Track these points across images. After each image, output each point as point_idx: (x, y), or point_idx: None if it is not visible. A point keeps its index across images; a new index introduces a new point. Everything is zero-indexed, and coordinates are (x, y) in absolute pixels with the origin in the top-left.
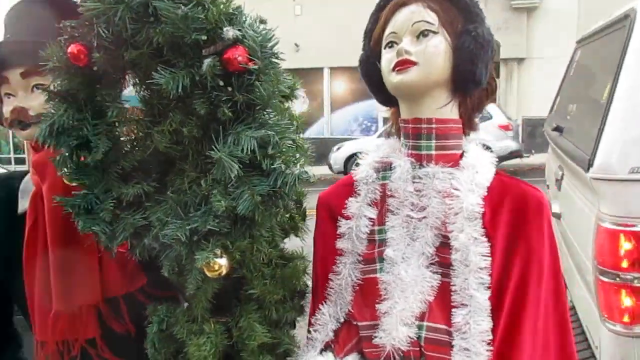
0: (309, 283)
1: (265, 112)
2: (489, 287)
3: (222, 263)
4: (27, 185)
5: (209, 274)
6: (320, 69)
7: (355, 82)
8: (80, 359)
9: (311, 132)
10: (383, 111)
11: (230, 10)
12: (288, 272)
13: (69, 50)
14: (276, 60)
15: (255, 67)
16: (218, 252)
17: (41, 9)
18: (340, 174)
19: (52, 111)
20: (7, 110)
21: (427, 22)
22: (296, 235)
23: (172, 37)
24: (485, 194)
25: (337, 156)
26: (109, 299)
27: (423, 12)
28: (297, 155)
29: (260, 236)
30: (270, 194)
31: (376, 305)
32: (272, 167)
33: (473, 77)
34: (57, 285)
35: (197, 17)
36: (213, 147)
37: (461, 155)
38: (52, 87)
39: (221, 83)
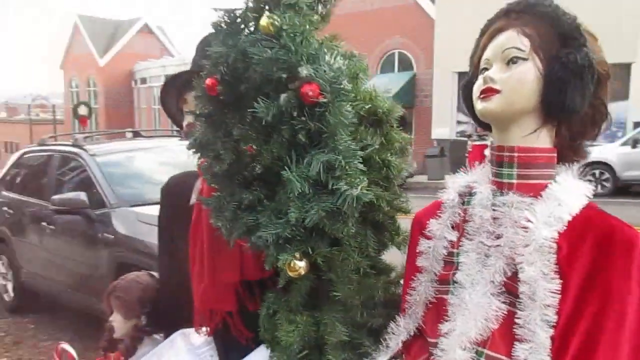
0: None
1: (335, 139)
2: (553, 326)
3: (300, 265)
4: (198, 184)
5: (290, 273)
6: None
7: None
8: (222, 325)
9: None
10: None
11: (312, 51)
12: (369, 282)
13: (206, 82)
14: (346, 93)
15: (325, 100)
16: (297, 255)
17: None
18: None
19: (197, 129)
20: (185, 124)
21: (518, 48)
22: (398, 248)
23: (264, 75)
24: (564, 228)
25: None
26: (245, 281)
27: (516, 38)
28: (361, 177)
29: (349, 245)
30: (334, 211)
31: (438, 325)
32: (336, 187)
33: (562, 106)
34: (209, 263)
35: (281, 58)
36: (285, 167)
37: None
38: (197, 111)
39: (297, 113)
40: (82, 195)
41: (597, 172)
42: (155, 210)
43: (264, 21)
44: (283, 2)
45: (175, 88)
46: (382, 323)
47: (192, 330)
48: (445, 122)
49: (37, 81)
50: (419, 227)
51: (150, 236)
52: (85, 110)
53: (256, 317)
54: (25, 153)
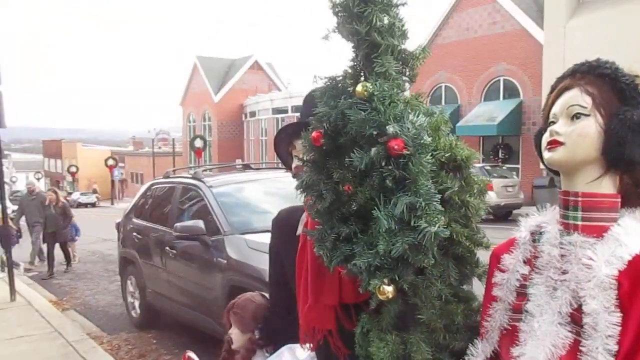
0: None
1: (417, 184)
2: (614, 355)
3: (388, 290)
4: (304, 217)
5: (380, 296)
6: None
7: None
8: (323, 342)
9: None
10: None
11: (398, 112)
12: (450, 308)
13: (312, 135)
14: (426, 146)
15: (408, 152)
16: (386, 281)
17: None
18: None
19: (303, 172)
20: (293, 166)
21: (580, 105)
22: (479, 279)
23: (358, 131)
24: (624, 267)
25: None
26: (343, 304)
27: (579, 97)
28: (439, 216)
29: (432, 274)
30: (415, 244)
31: (510, 349)
32: (417, 224)
33: (622, 158)
34: (312, 287)
35: (372, 118)
36: (376, 207)
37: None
38: (304, 157)
39: (385, 162)
40: (200, 223)
41: None
42: (262, 237)
43: (359, 88)
44: (375, 70)
45: (286, 135)
46: (463, 346)
47: (297, 345)
48: None
49: (159, 117)
50: (496, 261)
51: (259, 262)
52: (201, 143)
53: (352, 335)
54: (152, 184)
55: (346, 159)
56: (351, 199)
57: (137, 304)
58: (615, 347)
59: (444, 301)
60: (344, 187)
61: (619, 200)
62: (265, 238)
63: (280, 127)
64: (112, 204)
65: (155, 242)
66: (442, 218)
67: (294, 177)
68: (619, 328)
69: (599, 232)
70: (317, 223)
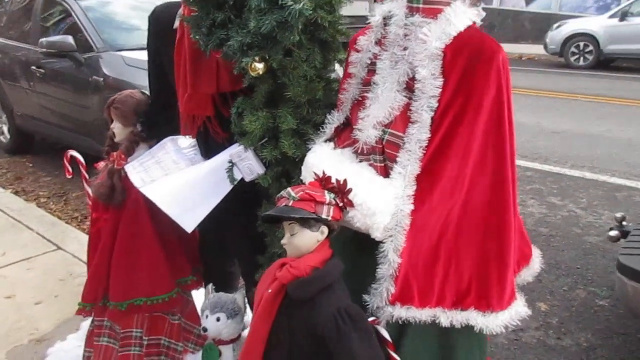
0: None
1: None
2: (434, 111)
3: (259, 66)
4: (180, 11)
5: (252, 73)
6: None
7: None
8: (203, 129)
9: (537, 5)
10: None
11: None
12: (313, 86)
13: None
14: None
15: None
16: (257, 58)
17: None
18: (555, 55)
19: None
20: None
21: None
22: (340, 65)
23: None
24: (450, 41)
25: (555, 35)
26: (221, 93)
27: None
28: None
29: (299, 57)
30: (283, 22)
31: (358, 113)
32: (284, 2)
33: None
34: (191, 77)
35: None
36: None
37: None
38: None
39: None
40: (69, 39)
41: (581, 44)
42: (139, 54)
43: None
44: None
45: None
46: (322, 120)
47: (179, 137)
48: None
49: None
50: (353, 44)
51: (139, 79)
52: None
53: (229, 121)
54: None
55: None
56: None
57: (5, 128)
58: (436, 105)
59: (308, 80)
60: None
61: None
62: (143, 55)
63: None
64: None
65: (18, 62)
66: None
67: None
68: (440, 90)
69: (435, 14)
70: (193, 11)
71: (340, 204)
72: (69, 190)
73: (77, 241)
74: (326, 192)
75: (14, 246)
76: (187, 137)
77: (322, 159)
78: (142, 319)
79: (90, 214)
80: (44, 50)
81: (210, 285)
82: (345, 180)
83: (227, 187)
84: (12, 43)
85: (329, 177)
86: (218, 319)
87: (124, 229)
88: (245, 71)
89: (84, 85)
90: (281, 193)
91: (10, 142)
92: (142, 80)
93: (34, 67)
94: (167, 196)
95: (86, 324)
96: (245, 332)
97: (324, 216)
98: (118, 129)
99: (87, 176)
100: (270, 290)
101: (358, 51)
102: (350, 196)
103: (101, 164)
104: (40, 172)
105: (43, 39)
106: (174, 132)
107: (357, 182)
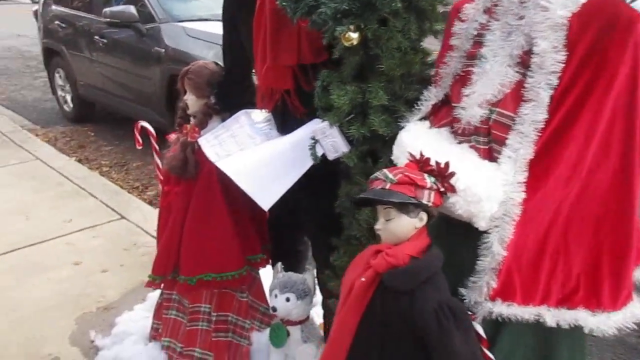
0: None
1: None
2: (554, 88)
3: (353, 36)
4: None
5: (345, 43)
6: None
7: None
8: (280, 103)
9: None
10: None
11: None
12: (409, 58)
13: None
14: None
15: None
16: (352, 27)
17: None
18: None
19: None
20: None
21: None
22: (435, 36)
23: None
24: (578, 9)
25: None
26: (301, 65)
27: None
28: None
29: (394, 26)
30: None
31: (461, 90)
32: None
33: None
34: (271, 47)
35: None
36: None
37: None
38: None
39: None
40: (132, 9)
41: None
42: (201, 25)
43: None
44: None
45: None
46: (416, 96)
47: (253, 110)
48: None
49: None
50: (456, 13)
51: (200, 50)
52: None
53: (309, 96)
54: None
55: None
56: None
57: (68, 97)
58: (556, 82)
59: (403, 52)
60: None
61: None
62: (205, 26)
63: None
64: None
65: (82, 32)
66: None
67: None
68: (563, 65)
69: None
70: None
71: (442, 189)
72: (129, 160)
73: (140, 211)
74: (426, 175)
75: (80, 213)
76: (263, 111)
77: (418, 138)
78: (210, 295)
79: (161, 186)
80: (107, 20)
81: (279, 264)
82: (447, 163)
83: (307, 165)
84: (76, 13)
85: (428, 159)
86: (288, 299)
87: (196, 203)
88: (337, 41)
89: (146, 56)
90: (376, 174)
91: (73, 111)
92: (202, 51)
93: (97, 37)
94: (244, 172)
95: (153, 295)
96: (313, 313)
97: (424, 201)
98: (191, 101)
99: (157, 147)
100: (363, 279)
101: (463, 21)
102: (453, 180)
103: (172, 136)
104: (101, 141)
105: (107, 9)
106: (249, 105)
107: (459, 165)
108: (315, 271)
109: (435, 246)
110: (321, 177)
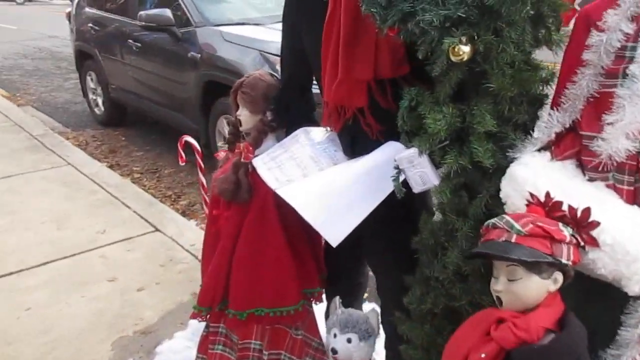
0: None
1: None
2: None
3: (465, 50)
4: None
5: (453, 58)
6: None
7: None
8: (351, 122)
9: None
10: None
11: None
12: (526, 75)
13: None
14: None
15: None
16: (464, 39)
17: None
18: None
19: None
20: None
21: None
22: (549, 48)
23: None
24: None
25: None
26: (378, 80)
27: None
28: None
29: (508, 37)
30: None
31: (602, 117)
32: None
33: None
34: (344, 59)
35: None
36: None
37: None
38: None
39: None
40: (168, 12)
41: None
42: (238, 29)
43: None
44: None
45: None
46: (526, 119)
47: (313, 128)
48: None
49: None
50: (585, 22)
51: (237, 55)
52: None
53: (386, 113)
54: None
55: None
56: None
57: (100, 100)
58: None
59: (515, 69)
60: None
61: None
62: (242, 30)
63: None
64: None
65: (116, 35)
66: None
67: None
68: None
69: None
70: None
71: (582, 243)
72: (161, 167)
73: (174, 223)
74: (561, 224)
75: (114, 224)
76: (326, 128)
77: (539, 174)
78: (262, 330)
79: (208, 210)
80: (142, 23)
81: (337, 299)
82: (587, 209)
83: (383, 195)
84: (109, 15)
85: (558, 203)
86: (349, 340)
87: (249, 231)
88: (437, 55)
89: (181, 61)
90: (493, 222)
91: (104, 114)
92: (239, 56)
93: (130, 40)
94: (311, 202)
95: (194, 320)
96: (375, 355)
97: (564, 260)
98: (245, 117)
99: (202, 165)
100: (484, 355)
101: (601, 30)
102: (595, 232)
103: (222, 154)
104: (132, 146)
105: (142, 12)
106: (308, 122)
107: (599, 211)
108: (379, 309)
109: (573, 314)
110: (398, 204)
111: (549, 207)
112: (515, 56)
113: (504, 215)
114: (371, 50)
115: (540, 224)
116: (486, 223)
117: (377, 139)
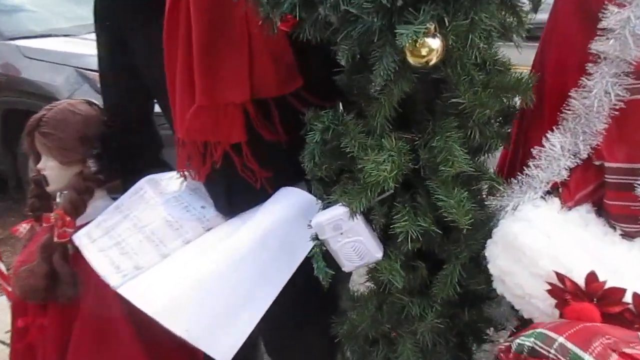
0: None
1: None
2: None
3: (433, 46)
4: None
5: (412, 60)
6: None
7: None
8: (222, 165)
9: None
10: None
11: None
12: (507, 81)
13: None
14: None
15: None
16: (432, 27)
17: None
18: None
19: None
20: None
21: None
22: (510, 40)
23: None
24: None
25: None
26: (258, 100)
27: None
28: None
29: (479, 22)
30: None
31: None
32: None
33: None
34: (201, 76)
35: None
36: None
37: None
38: None
39: None
40: None
41: None
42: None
43: None
44: None
45: None
46: (498, 146)
47: (160, 175)
48: None
49: None
50: None
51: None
52: None
53: (274, 149)
54: None
55: None
56: None
57: None
58: None
59: (489, 72)
60: None
61: None
62: (48, 43)
63: None
64: None
65: None
66: None
67: None
68: None
69: None
70: None
71: None
72: None
73: None
74: None
75: None
76: (181, 177)
77: (559, 239)
78: None
79: (12, 320)
80: None
81: None
82: None
83: (287, 274)
84: None
85: (617, 290)
86: None
87: (83, 335)
88: (383, 57)
89: None
90: (531, 345)
91: None
92: (49, 76)
93: None
94: (179, 305)
95: None
96: None
97: None
98: (53, 170)
99: None
100: None
101: (621, 6)
102: None
103: (23, 227)
104: None
105: None
106: (156, 165)
107: None
108: None
109: None
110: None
111: (599, 299)
112: (486, 53)
113: (546, 332)
114: (244, 58)
115: (628, 350)
116: (516, 346)
117: (265, 189)
